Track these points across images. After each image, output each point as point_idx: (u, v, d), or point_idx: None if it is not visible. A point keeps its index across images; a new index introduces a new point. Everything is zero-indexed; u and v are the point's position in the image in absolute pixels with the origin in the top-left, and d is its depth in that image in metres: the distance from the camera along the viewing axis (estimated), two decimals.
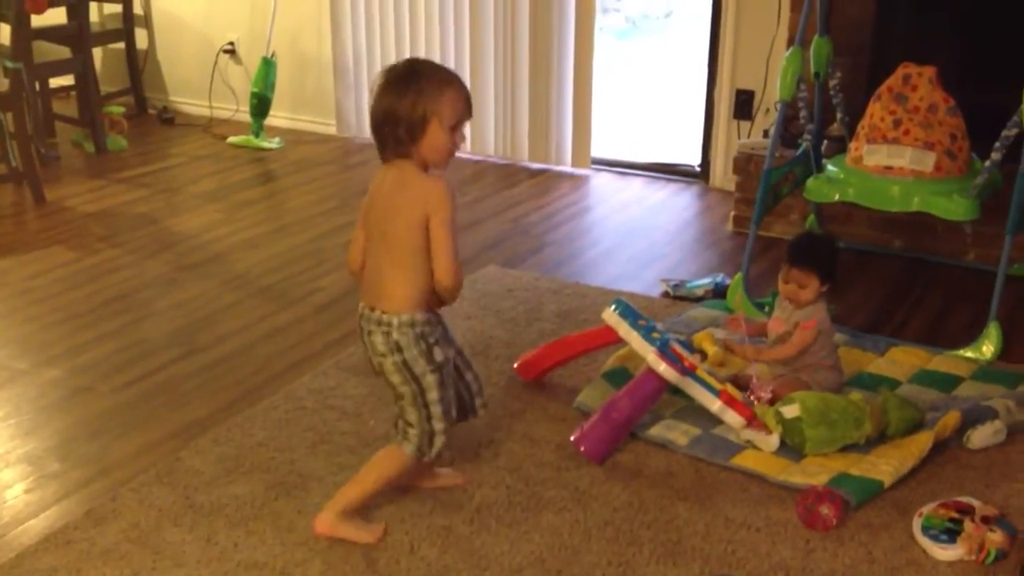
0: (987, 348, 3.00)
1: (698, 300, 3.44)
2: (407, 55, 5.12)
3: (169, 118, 5.70)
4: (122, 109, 5.35)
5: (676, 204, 4.55)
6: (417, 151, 2.06)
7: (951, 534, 2.16)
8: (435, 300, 2.15)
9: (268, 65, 5.22)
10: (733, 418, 2.53)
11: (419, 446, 2.19)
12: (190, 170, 4.95)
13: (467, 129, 2.14)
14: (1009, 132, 3.01)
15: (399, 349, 2.11)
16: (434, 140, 2.04)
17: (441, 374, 2.15)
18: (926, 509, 2.24)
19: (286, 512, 2.29)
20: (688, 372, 2.53)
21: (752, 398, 2.60)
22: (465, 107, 2.07)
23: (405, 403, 2.17)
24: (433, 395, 2.15)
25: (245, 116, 5.40)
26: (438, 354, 2.14)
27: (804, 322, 2.70)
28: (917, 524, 2.21)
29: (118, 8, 5.58)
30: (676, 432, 2.58)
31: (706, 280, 3.56)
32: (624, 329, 2.64)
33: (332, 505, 2.20)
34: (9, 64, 4.21)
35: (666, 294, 3.52)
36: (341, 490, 2.22)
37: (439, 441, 2.19)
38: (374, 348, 2.14)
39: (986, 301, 3.09)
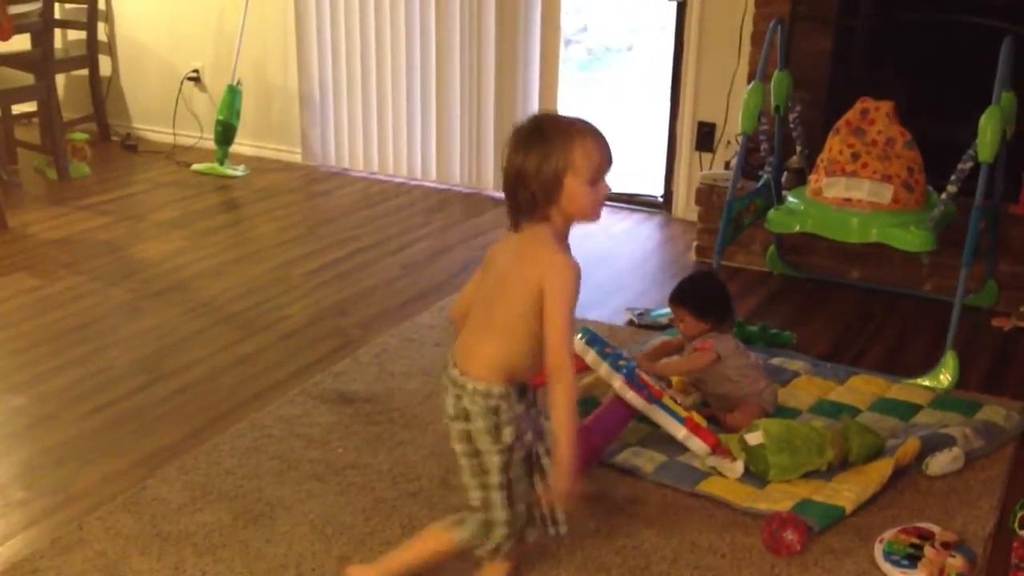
0: (944, 377, 3.06)
1: (663, 328, 3.48)
2: (373, 83, 5.16)
3: (132, 145, 5.68)
4: (85, 136, 5.32)
5: (640, 234, 4.60)
6: (558, 211, 1.87)
7: (912, 559, 2.20)
8: (530, 378, 1.98)
9: (233, 93, 5.22)
10: (698, 445, 2.56)
11: (474, 534, 1.98)
12: (154, 197, 4.93)
13: (604, 180, 1.93)
14: (964, 165, 3.09)
15: (466, 417, 1.93)
16: (574, 196, 1.85)
17: (508, 456, 1.94)
18: (887, 535, 2.29)
19: (254, 540, 2.28)
20: (654, 400, 2.56)
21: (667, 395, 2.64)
22: (602, 156, 1.88)
23: (465, 478, 1.98)
24: (494, 479, 1.94)
25: (210, 143, 5.40)
26: (507, 434, 1.92)
27: (699, 344, 2.80)
28: (879, 550, 2.25)
29: (82, 35, 5.57)
30: (643, 459, 2.61)
31: (669, 309, 3.60)
32: (591, 357, 2.67)
33: (375, 565, 2.10)
34: None
35: (631, 322, 3.56)
36: (389, 553, 2.12)
37: (499, 534, 1.97)
38: (445, 408, 1.97)
39: (943, 330, 3.16)
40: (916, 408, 2.92)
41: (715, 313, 2.82)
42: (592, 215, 1.92)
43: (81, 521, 2.35)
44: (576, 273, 1.90)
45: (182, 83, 5.62)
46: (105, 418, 2.85)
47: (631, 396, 2.56)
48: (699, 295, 2.86)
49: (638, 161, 5.72)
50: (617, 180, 5.35)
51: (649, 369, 2.72)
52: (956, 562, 2.17)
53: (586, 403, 2.81)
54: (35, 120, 5.34)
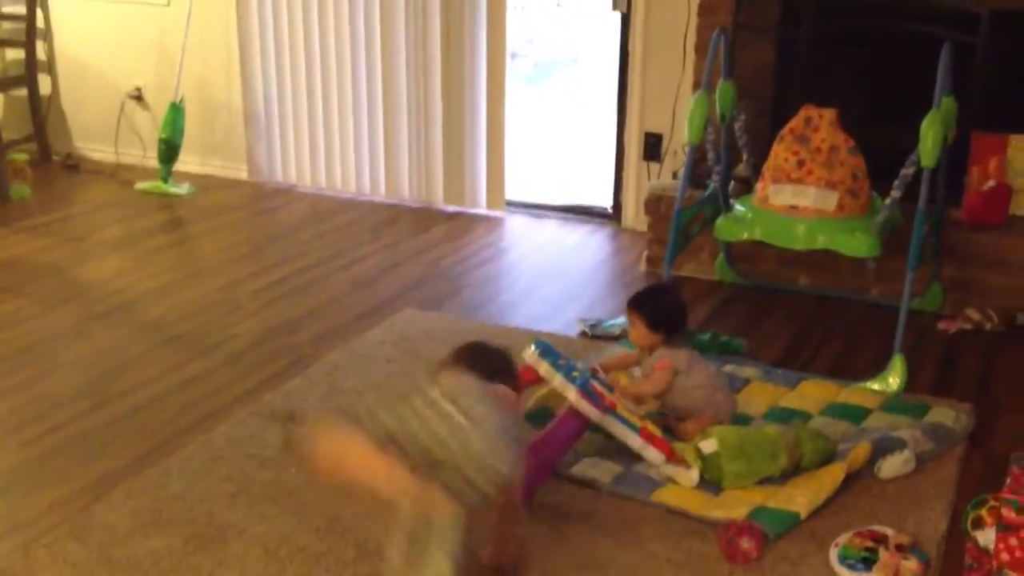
0: (893, 380, 3.10)
1: (615, 339, 3.48)
2: (319, 98, 5.12)
3: (73, 165, 5.59)
4: (26, 156, 5.22)
5: (590, 245, 4.62)
6: None
7: (867, 563, 2.21)
8: None
9: (176, 110, 5.16)
10: (653, 454, 2.57)
11: None
12: (97, 217, 4.85)
13: None
14: (907, 171, 3.14)
15: None
16: None
17: None
18: (842, 539, 2.30)
19: (206, 565, 2.24)
20: (609, 410, 2.56)
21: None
22: None
23: None
24: None
25: (153, 162, 5.32)
26: None
27: (656, 363, 2.80)
28: (834, 554, 2.26)
29: (21, 53, 5.47)
30: (599, 470, 2.60)
31: (622, 319, 3.60)
32: (545, 369, 2.66)
33: None
34: None
35: (584, 333, 3.56)
36: None
37: None
38: None
39: (890, 335, 3.19)
40: (866, 412, 2.95)
41: (667, 326, 2.82)
42: None
43: (27, 549, 2.28)
44: None
45: (124, 101, 5.54)
46: (50, 444, 2.79)
47: (585, 407, 2.56)
48: (655, 306, 2.85)
49: (587, 173, 5.76)
50: (567, 192, 5.39)
51: (614, 385, 2.72)
52: (910, 564, 2.19)
53: (540, 415, 2.80)
54: None
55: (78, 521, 2.40)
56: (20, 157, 5.18)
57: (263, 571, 2.21)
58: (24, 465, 2.68)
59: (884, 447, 2.64)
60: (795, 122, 3.33)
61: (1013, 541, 1.86)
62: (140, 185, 5.23)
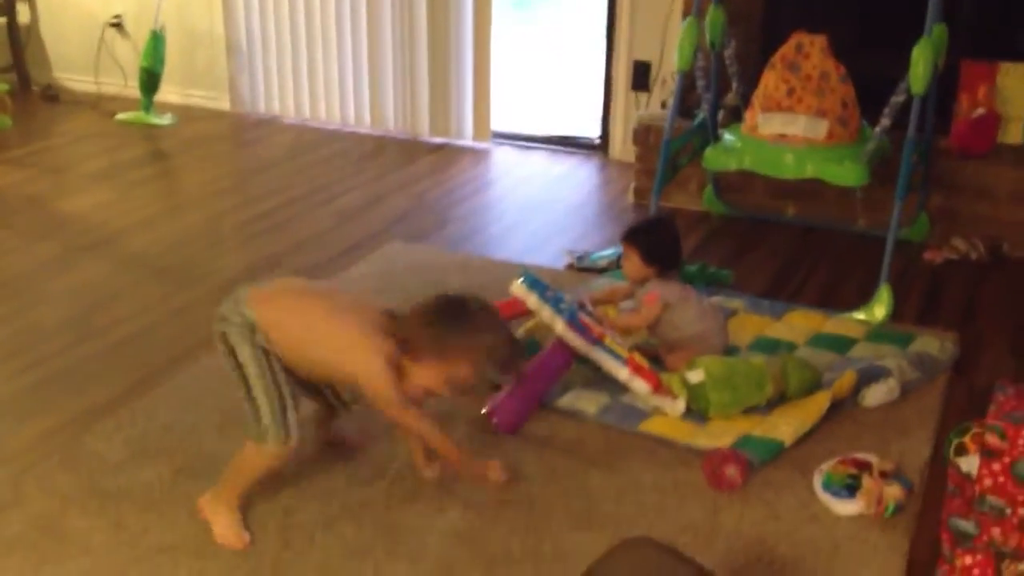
0: (879, 310, 3.11)
1: (602, 271, 3.48)
2: (302, 27, 5.04)
3: (53, 95, 5.51)
4: (6, 86, 5.14)
5: (577, 177, 4.59)
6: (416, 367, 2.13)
7: (851, 489, 2.23)
8: None
9: (157, 39, 5.07)
10: (640, 385, 2.57)
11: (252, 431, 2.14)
12: (78, 149, 4.80)
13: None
14: (897, 99, 3.11)
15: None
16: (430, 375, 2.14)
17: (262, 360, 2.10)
18: (825, 466, 2.32)
19: (196, 494, 2.24)
20: (597, 342, 2.57)
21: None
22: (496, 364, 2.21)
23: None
24: (254, 382, 2.11)
25: (134, 92, 5.25)
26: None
27: (646, 296, 2.80)
28: (818, 481, 2.29)
29: None
30: (586, 401, 2.61)
31: (609, 251, 3.61)
32: (532, 301, 2.66)
33: (215, 489, 2.20)
34: None
35: (571, 266, 3.56)
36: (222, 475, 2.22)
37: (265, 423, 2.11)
38: None
39: (876, 265, 3.20)
40: (852, 342, 2.96)
41: (662, 260, 2.81)
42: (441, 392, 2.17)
43: (16, 480, 2.29)
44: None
45: (104, 30, 5.44)
46: (36, 376, 2.78)
47: (573, 338, 2.56)
48: (651, 239, 2.84)
49: (574, 103, 5.70)
50: (554, 122, 5.33)
51: (605, 321, 2.72)
52: (893, 490, 2.22)
53: (528, 347, 2.81)
54: None
55: (67, 452, 2.40)
56: (0, 87, 5.10)
57: (252, 501, 2.22)
58: (12, 397, 2.68)
59: (869, 376, 2.65)
60: (786, 49, 3.29)
61: (996, 467, 1.87)
62: (121, 116, 5.16)
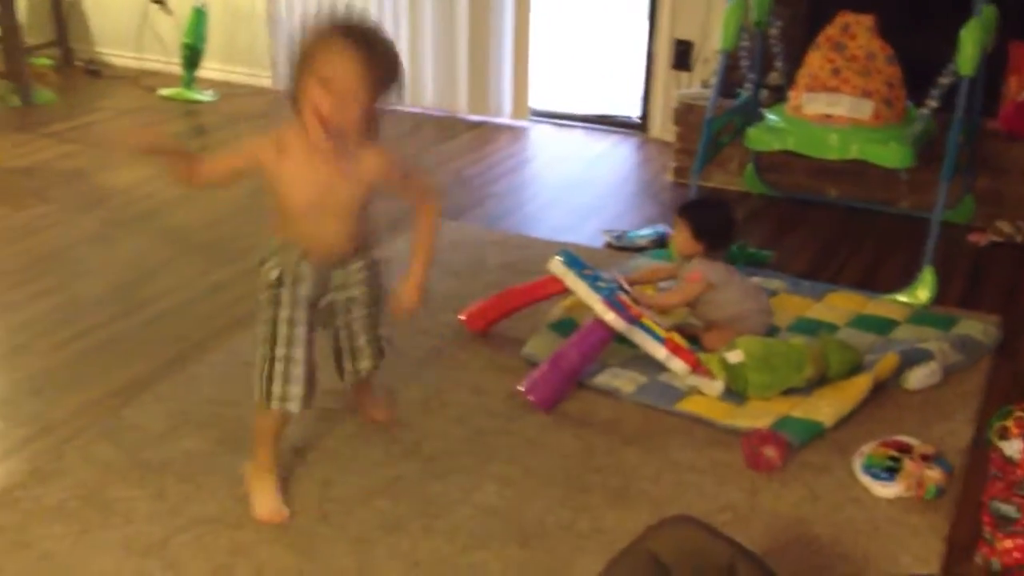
0: (922, 292, 3.07)
1: (640, 250, 3.46)
2: (341, 5, 5.02)
3: (96, 70, 5.55)
4: (50, 61, 5.20)
5: (616, 155, 4.56)
6: (299, 109, 1.93)
7: (891, 472, 2.22)
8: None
9: (199, 15, 5.09)
10: (678, 365, 2.56)
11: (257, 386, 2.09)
12: (120, 123, 4.83)
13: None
14: (944, 80, 3.07)
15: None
16: (302, 96, 1.90)
17: (272, 291, 2.04)
18: (866, 448, 2.30)
19: (236, 466, 2.26)
20: (635, 321, 2.56)
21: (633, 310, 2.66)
22: (345, 68, 1.86)
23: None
24: (260, 316, 2.06)
25: (176, 68, 5.28)
26: (268, 270, 2.06)
27: (689, 274, 2.78)
28: (858, 463, 2.27)
29: None
30: (623, 380, 2.60)
31: (648, 230, 3.59)
32: (571, 279, 2.65)
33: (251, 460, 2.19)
34: None
35: (609, 245, 3.54)
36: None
37: (262, 370, 2.06)
38: None
39: (919, 247, 3.16)
40: (894, 324, 2.93)
41: (711, 237, 2.80)
42: (313, 130, 1.90)
43: (60, 450, 2.32)
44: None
45: (147, 6, 5.47)
46: (79, 348, 2.81)
47: (611, 318, 2.55)
48: (703, 214, 2.83)
49: (613, 81, 5.66)
50: (592, 101, 5.30)
51: (642, 299, 2.71)
52: (934, 474, 2.19)
53: (565, 325, 2.80)
54: None
55: (109, 423, 2.43)
56: (44, 62, 5.16)
57: (291, 474, 2.24)
58: (55, 368, 2.71)
59: (911, 359, 2.62)
60: (832, 29, 3.25)
61: None
62: (163, 91, 5.20)
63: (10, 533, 2.05)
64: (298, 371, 2.06)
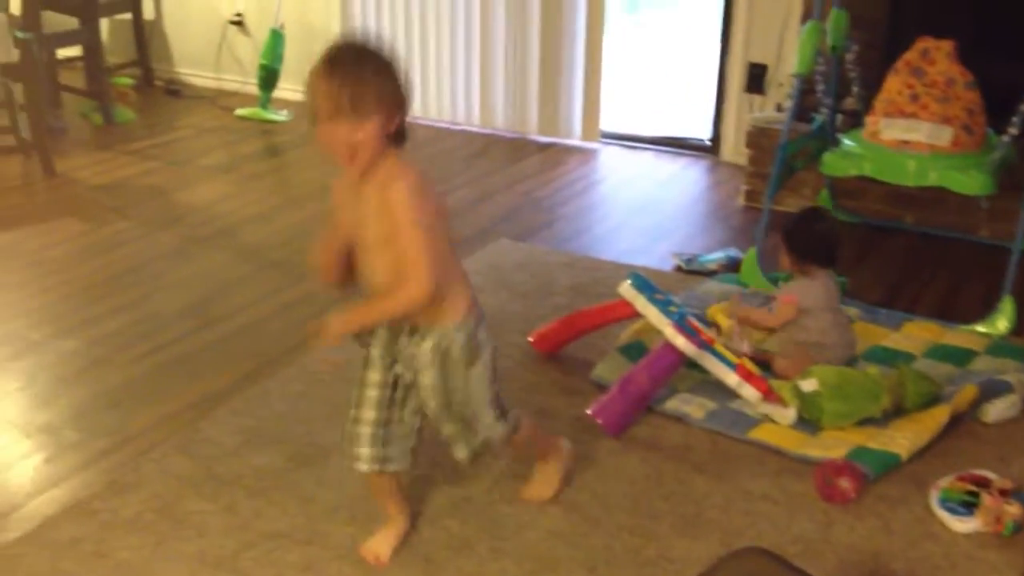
0: (1001, 323, 3.00)
1: (711, 274, 3.43)
2: (416, 27, 5.10)
3: (176, 90, 5.68)
4: (130, 81, 5.33)
5: (686, 178, 4.54)
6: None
7: (968, 507, 2.17)
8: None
9: (277, 37, 5.19)
10: (750, 392, 2.53)
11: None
12: (198, 142, 4.94)
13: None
14: None
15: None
16: None
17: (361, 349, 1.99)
18: (943, 482, 2.25)
19: (306, 483, 2.30)
20: (706, 346, 2.53)
21: (730, 346, 2.66)
22: (316, 95, 1.79)
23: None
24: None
25: (253, 88, 5.38)
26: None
27: (783, 295, 2.76)
28: (934, 497, 2.22)
29: None
30: (692, 406, 2.58)
31: (719, 254, 3.56)
32: (641, 303, 2.64)
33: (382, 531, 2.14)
34: (20, 35, 4.19)
35: (679, 268, 3.52)
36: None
37: (347, 435, 2.03)
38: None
39: (998, 277, 3.09)
40: (972, 355, 2.87)
41: (803, 252, 2.77)
42: (330, 156, 1.83)
43: (136, 463, 2.37)
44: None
45: (225, 27, 5.59)
46: (156, 362, 2.87)
47: (681, 342, 2.53)
48: (795, 231, 2.80)
49: (683, 104, 5.64)
50: (662, 123, 5.28)
51: (736, 312, 2.72)
52: (1013, 509, 2.14)
53: (635, 349, 2.79)
54: (79, 65, 5.34)
55: (185, 436, 2.48)
56: (125, 81, 5.30)
57: (360, 492, 2.25)
58: (133, 382, 2.77)
59: (990, 391, 2.56)
60: (911, 54, 3.20)
61: None
62: (240, 111, 5.30)
63: (87, 544, 2.10)
64: (364, 431, 1.99)
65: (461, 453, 2.06)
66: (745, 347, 2.72)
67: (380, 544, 2.09)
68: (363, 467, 2.02)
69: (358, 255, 1.91)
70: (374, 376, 2.00)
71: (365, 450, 2.01)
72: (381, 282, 1.88)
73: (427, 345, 1.92)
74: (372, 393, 2.00)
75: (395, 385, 2.01)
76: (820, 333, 2.73)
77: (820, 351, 2.71)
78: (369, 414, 2.00)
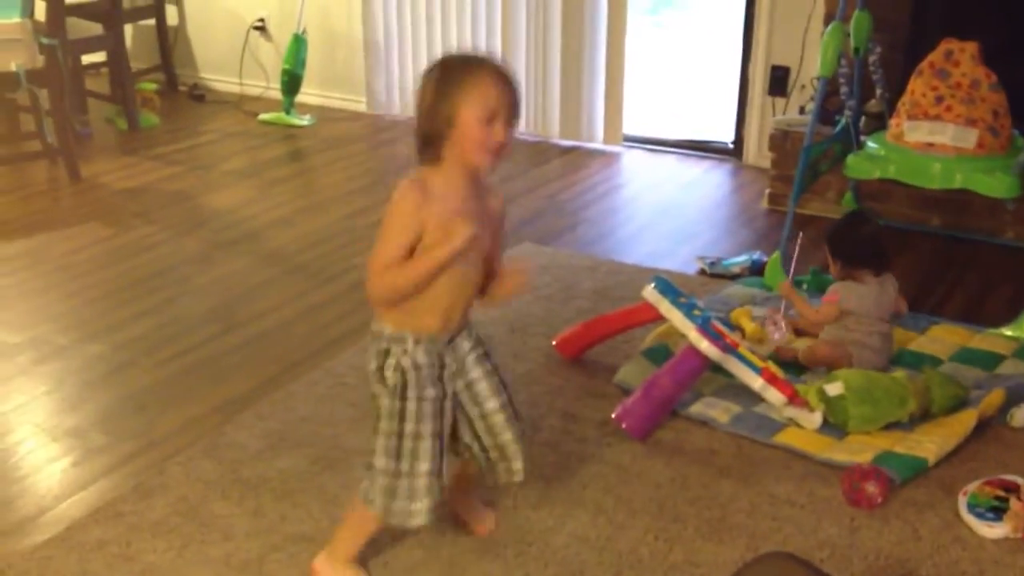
0: None
1: (735, 278, 3.42)
2: (438, 30, 5.11)
3: (199, 95, 5.71)
4: (155, 86, 5.37)
5: (709, 181, 4.53)
6: (450, 149, 1.77)
7: (997, 512, 2.15)
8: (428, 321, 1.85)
9: (299, 42, 5.21)
10: (775, 396, 2.52)
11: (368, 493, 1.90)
12: (222, 147, 4.97)
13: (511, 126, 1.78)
14: None
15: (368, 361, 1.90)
16: (465, 134, 1.74)
17: (401, 404, 1.85)
18: (971, 487, 2.24)
19: (331, 486, 2.30)
20: (730, 349, 2.52)
21: (767, 326, 2.71)
22: (500, 96, 1.74)
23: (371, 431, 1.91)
24: (382, 424, 1.87)
25: (276, 93, 5.41)
26: (389, 377, 1.85)
27: (827, 295, 2.77)
28: (962, 502, 2.21)
29: None
30: (717, 410, 2.57)
31: (743, 258, 3.55)
32: (665, 306, 2.63)
33: (328, 551, 2.03)
34: (45, 41, 4.23)
35: (702, 272, 3.51)
36: (335, 535, 2.04)
37: (378, 484, 1.87)
38: None
39: None
40: (999, 358, 2.84)
41: (844, 255, 2.77)
42: (480, 157, 1.76)
43: (162, 466, 2.38)
44: (403, 194, 1.79)
45: (248, 32, 5.62)
46: (181, 365, 2.89)
47: (706, 346, 2.52)
48: (837, 234, 2.82)
49: (706, 107, 5.63)
50: (685, 127, 5.28)
51: (783, 290, 2.81)
52: None
53: (659, 352, 2.78)
54: (104, 70, 5.39)
55: (210, 440, 2.49)
56: (149, 87, 5.33)
57: None
58: (159, 385, 2.79)
59: (1018, 395, 2.55)
60: (934, 56, 3.18)
61: None
62: (263, 116, 5.32)
63: (114, 547, 2.11)
64: (423, 484, 1.87)
65: (520, 463, 2.01)
66: (777, 335, 2.72)
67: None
68: (419, 521, 1.89)
69: (447, 272, 1.80)
70: (428, 427, 1.86)
71: (423, 503, 1.88)
72: (458, 303, 1.87)
73: (469, 344, 1.94)
74: (427, 444, 1.86)
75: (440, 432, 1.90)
76: (862, 335, 2.71)
77: (860, 350, 2.70)
78: (426, 466, 1.87)
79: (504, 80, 1.76)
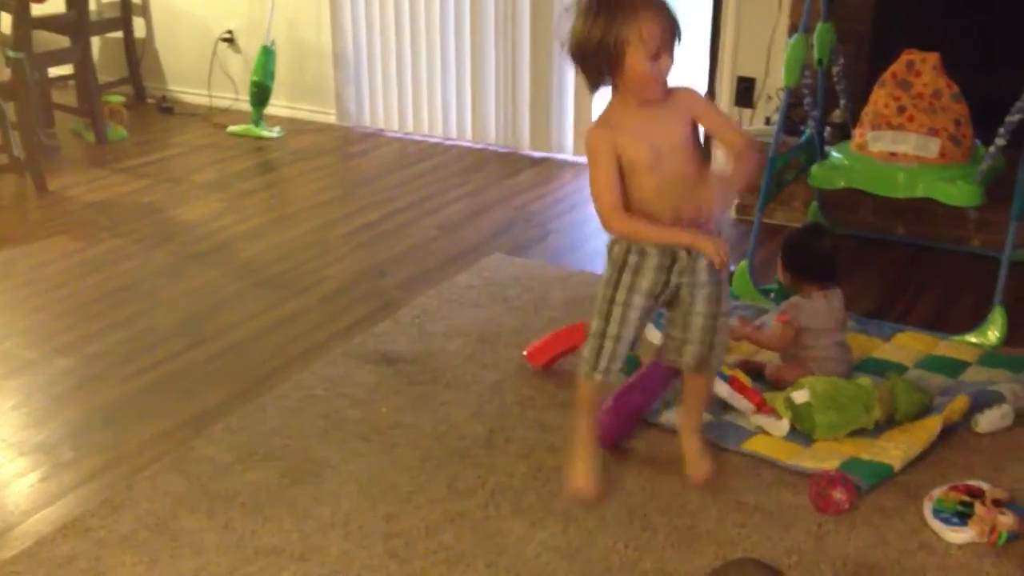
0: (992, 333, 3.02)
1: None
2: (407, 43, 5.12)
3: (168, 107, 5.69)
4: (122, 99, 5.34)
5: None
6: (621, 82, 2.04)
7: (962, 517, 2.17)
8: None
9: (268, 53, 5.21)
10: (743, 404, 2.55)
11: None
12: (191, 159, 4.95)
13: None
14: (1012, 118, 3.02)
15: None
16: (633, 69, 1.99)
17: (613, 272, 2.17)
18: (936, 493, 2.26)
19: (301, 499, 2.30)
20: None
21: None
22: (663, 30, 1.96)
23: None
24: (600, 290, 2.20)
25: (245, 105, 5.40)
26: (615, 250, 2.18)
27: (778, 315, 2.78)
28: (928, 507, 2.23)
29: None
30: None
31: None
32: None
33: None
34: (11, 54, 4.20)
35: None
36: None
37: (589, 346, 2.20)
38: None
39: (990, 287, 3.10)
40: (964, 365, 2.88)
41: (796, 268, 2.80)
42: (650, 90, 2.04)
43: (130, 481, 2.37)
44: (594, 138, 2.10)
45: (216, 44, 5.61)
46: (150, 379, 2.88)
47: None
48: (790, 246, 2.83)
49: None
50: None
51: (739, 332, 2.76)
52: (1007, 520, 2.14)
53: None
54: (71, 83, 5.36)
55: (179, 454, 2.48)
56: (117, 99, 5.31)
57: (356, 507, 2.26)
58: (127, 399, 2.77)
59: (982, 401, 2.58)
60: (896, 66, 3.23)
61: None
62: (232, 128, 5.31)
63: (82, 562, 2.10)
64: (623, 350, 2.20)
65: (691, 358, 2.26)
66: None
67: (588, 474, 2.29)
68: (612, 379, 2.23)
69: (655, 176, 2.07)
70: (638, 301, 2.16)
71: (618, 364, 2.21)
72: (688, 174, 2.08)
73: (707, 263, 2.14)
74: (634, 315, 2.17)
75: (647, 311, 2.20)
76: (820, 349, 2.73)
77: (820, 363, 2.72)
78: (630, 334, 2.19)
79: (662, 12, 1.97)
